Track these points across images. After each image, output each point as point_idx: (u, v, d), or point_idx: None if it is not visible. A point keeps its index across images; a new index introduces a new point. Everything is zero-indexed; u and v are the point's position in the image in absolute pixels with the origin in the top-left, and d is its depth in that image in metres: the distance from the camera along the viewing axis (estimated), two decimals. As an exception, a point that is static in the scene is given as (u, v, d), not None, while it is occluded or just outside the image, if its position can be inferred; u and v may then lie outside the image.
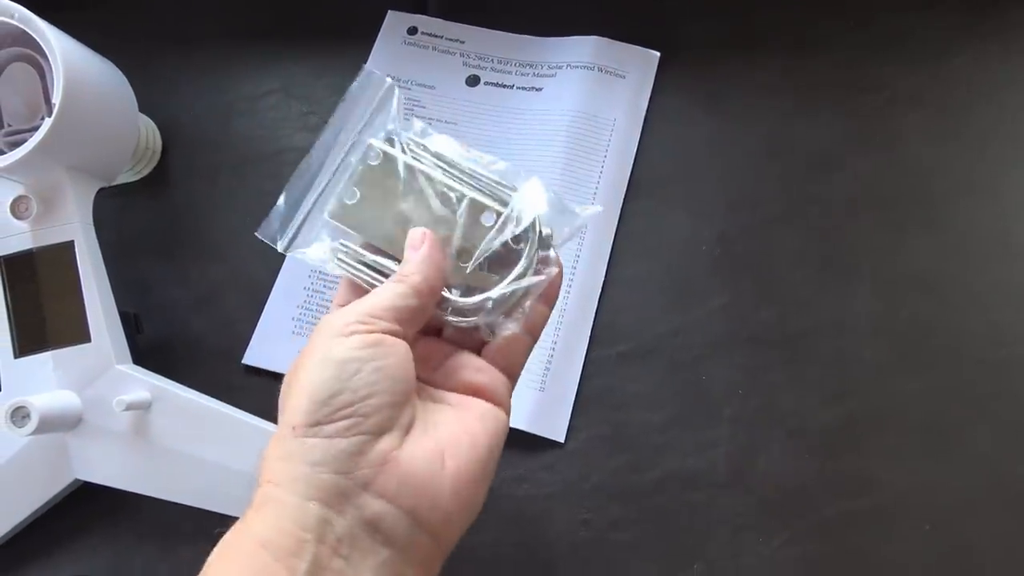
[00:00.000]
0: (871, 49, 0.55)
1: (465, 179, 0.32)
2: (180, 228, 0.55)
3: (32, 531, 0.46)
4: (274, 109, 0.58)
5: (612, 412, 0.47)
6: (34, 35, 0.44)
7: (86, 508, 0.46)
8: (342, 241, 0.32)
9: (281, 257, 0.52)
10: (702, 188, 0.53)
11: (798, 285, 0.50)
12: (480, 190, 0.32)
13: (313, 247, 0.33)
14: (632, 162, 0.53)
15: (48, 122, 0.43)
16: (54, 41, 0.43)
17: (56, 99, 0.43)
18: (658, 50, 0.56)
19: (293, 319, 0.51)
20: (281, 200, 0.34)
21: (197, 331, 0.51)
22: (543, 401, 0.47)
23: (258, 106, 0.58)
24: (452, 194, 0.32)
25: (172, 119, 0.57)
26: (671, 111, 0.55)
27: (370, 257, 0.32)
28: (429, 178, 0.32)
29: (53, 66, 0.43)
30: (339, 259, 0.32)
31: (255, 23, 0.60)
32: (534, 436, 0.47)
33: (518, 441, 0.47)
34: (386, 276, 0.31)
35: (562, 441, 0.47)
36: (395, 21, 0.59)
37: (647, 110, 0.55)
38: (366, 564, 0.25)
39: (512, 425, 0.46)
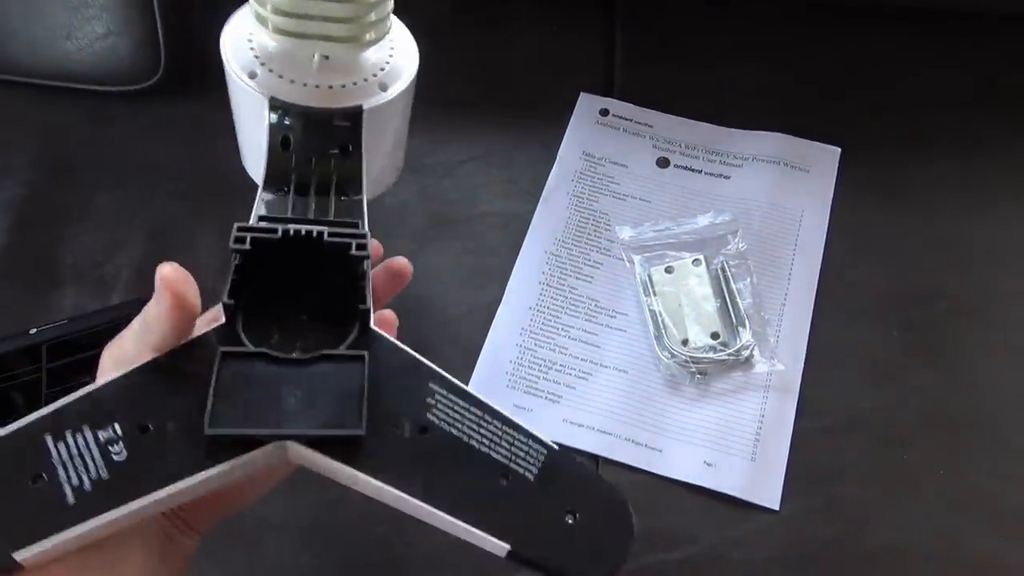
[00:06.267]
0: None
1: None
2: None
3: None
4: (476, 175, 0.62)
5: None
6: None
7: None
8: None
9: (490, 316, 0.56)
10: (888, 276, 0.57)
11: (985, 373, 0.53)
12: None
13: None
14: (822, 251, 0.57)
15: None
16: None
17: None
18: (837, 146, 0.61)
19: (507, 373, 0.54)
20: None
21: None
22: (754, 470, 0.50)
23: (459, 171, 0.62)
24: None
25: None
26: (853, 204, 0.59)
27: None
28: None
29: None
30: None
31: (461, 95, 0.64)
32: (748, 502, 0.49)
33: (732, 505, 0.49)
34: None
35: (777, 508, 0.49)
36: (588, 103, 0.64)
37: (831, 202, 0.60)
38: None
39: (725, 491, 0.49)
